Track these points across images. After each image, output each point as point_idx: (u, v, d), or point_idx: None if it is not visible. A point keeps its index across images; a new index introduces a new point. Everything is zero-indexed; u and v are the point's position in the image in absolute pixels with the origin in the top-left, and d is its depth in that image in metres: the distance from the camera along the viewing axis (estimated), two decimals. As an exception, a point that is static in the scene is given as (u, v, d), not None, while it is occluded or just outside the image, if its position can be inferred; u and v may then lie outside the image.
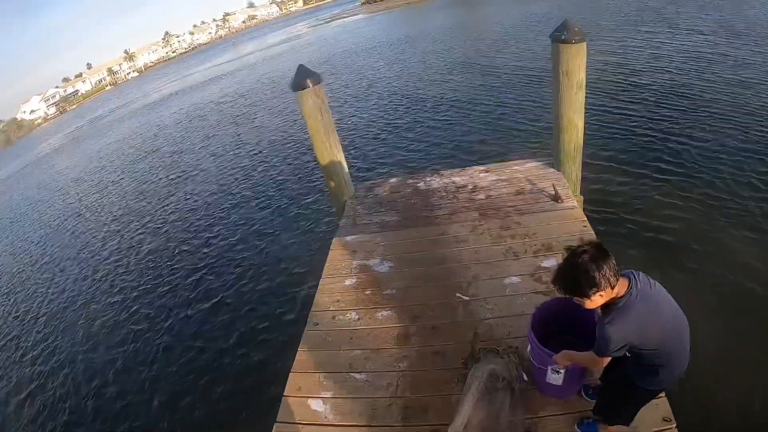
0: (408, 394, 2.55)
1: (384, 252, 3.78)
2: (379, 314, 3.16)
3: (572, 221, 3.55)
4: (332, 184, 4.66)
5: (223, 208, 8.34)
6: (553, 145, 4.25)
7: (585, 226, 3.46)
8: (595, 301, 1.59)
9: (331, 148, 4.42)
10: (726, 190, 4.96)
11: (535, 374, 2.35)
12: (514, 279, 3.12)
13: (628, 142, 6.28)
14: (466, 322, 2.91)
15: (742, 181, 5.03)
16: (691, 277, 4.04)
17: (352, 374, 2.75)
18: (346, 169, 4.70)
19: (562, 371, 2.14)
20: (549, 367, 2.16)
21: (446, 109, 9.66)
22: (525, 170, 4.50)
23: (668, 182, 5.30)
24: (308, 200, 7.44)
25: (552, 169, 4.36)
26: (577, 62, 3.49)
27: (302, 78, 4.03)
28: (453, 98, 10.14)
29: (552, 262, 3.16)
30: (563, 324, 2.38)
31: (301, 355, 2.99)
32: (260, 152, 10.72)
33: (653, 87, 7.79)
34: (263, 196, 8.25)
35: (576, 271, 1.55)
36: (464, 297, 3.09)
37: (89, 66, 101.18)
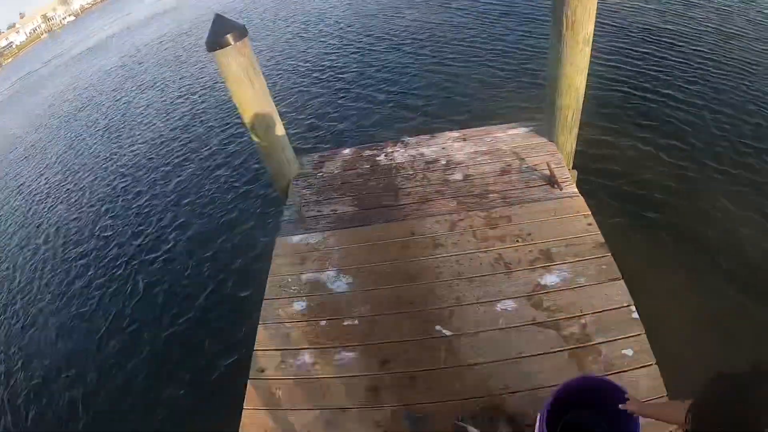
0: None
1: (340, 260, 2.99)
2: (340, 357, 2.43)
3: (574, 216, 2.83)
4: (271, 162, 3.77)
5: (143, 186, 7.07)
6: (546, 110, 3.44)
7: (590, 224, 2.75)
8: None
9: (266, 119, 3.48)
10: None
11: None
12: (509, 304, 2.41)
13: (625, 99, 5.42)
14: (450, 369, 2.23)
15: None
16: (696, 257, 3.52)
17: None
18: (288, 143, 3.79)
19: None
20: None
21: (414, 49, 8.15)
22: (510, 139, 3.70)
23: (672, 147, 4.60)
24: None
25: (543, 139, 3.57)
26: (587, 10, 2.61)
27: (220, 33, 3.01)
28: (422, 36, 8.53)
29: (553, 279, 2.46)
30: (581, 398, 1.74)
31: (247, 418, 2.27)
32: (200, 105, 9.30)
33: (656, 34, 6.65)
34: (197, 168, 6.89)
35: None
36: (446, 332, 2.38)
37: (22, 15, 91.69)
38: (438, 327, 2.40)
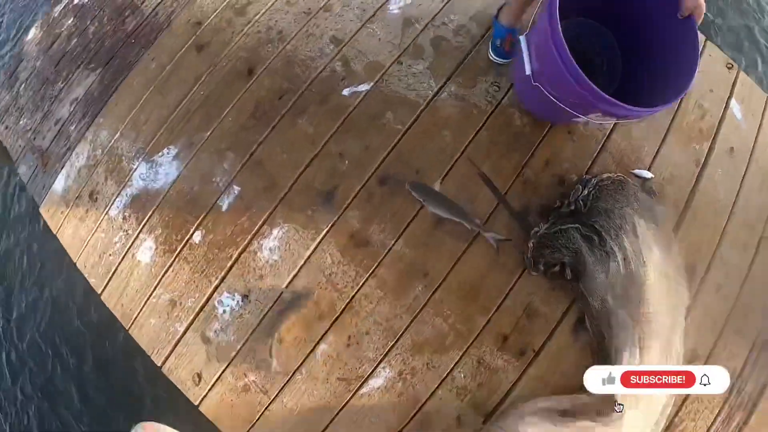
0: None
1: (136, 143, 1.72)
2: (276, 233, 1.49)
3: None
4: None
5: None
6: None
7: None
8: None
9: None
10: None
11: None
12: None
13: None
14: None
15: None
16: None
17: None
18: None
19: None
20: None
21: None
22: None
23: None
24: None
25: None
26: None
27: None
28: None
29: None
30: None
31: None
32: None
33: None
34: None
35: None
36: (361, 87, 1.53)
37: None
38: (346, 90, 1.54)
